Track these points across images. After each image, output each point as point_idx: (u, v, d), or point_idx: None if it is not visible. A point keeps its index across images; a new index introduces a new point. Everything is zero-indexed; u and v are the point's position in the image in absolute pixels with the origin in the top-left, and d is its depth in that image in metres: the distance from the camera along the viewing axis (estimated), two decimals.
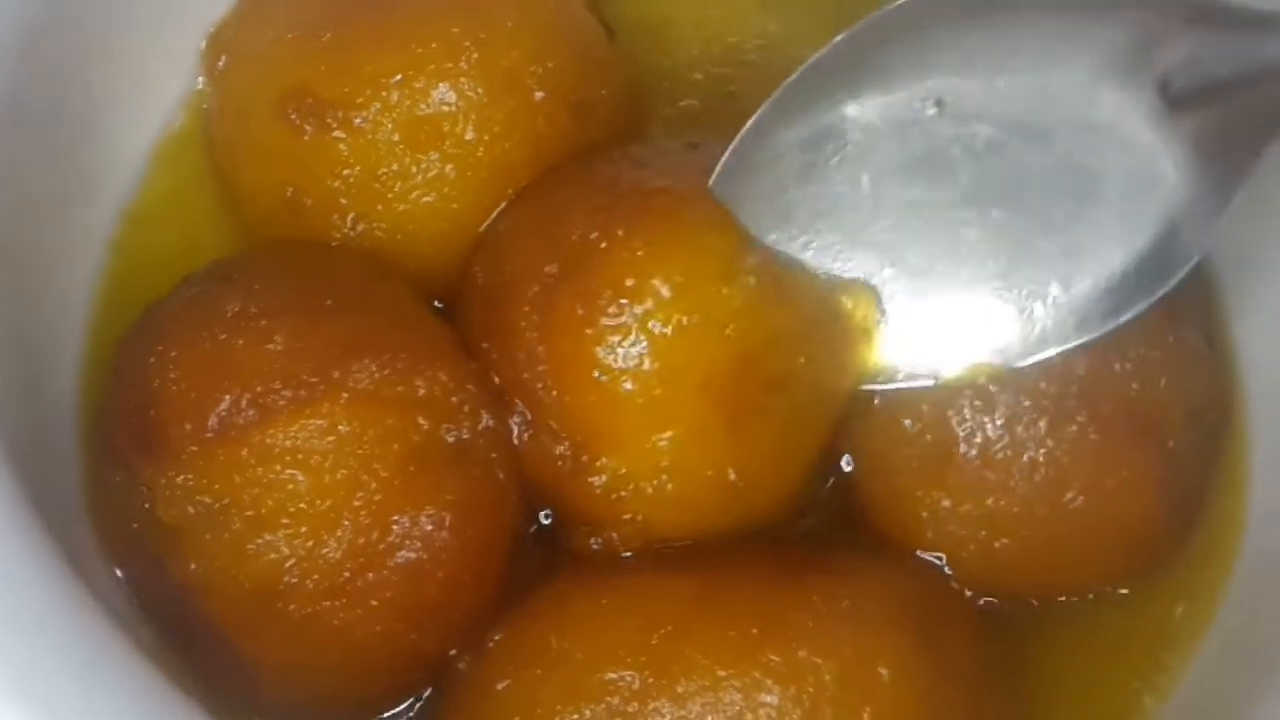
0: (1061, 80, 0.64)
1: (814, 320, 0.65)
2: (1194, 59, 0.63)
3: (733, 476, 0.63)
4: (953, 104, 0.65)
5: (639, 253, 0.63)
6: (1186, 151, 0.64)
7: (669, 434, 0.62)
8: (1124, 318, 0.64)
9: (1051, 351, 0.64)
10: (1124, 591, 0.69)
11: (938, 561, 0.67)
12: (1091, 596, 0.69)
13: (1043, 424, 0.64)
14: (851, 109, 0.65)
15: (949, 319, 0.65)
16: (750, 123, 0.65)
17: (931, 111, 0.65)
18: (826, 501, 0.69)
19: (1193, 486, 0.68)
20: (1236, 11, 0.62)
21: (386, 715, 0.66)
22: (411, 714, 0.66)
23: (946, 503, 0.65)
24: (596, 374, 0.62)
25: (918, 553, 0.67)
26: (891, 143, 0.65)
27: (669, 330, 0.62)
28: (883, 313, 0.66)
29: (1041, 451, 0.64)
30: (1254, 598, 0.69)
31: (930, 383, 0.65)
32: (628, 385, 0.62)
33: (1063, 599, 0.69)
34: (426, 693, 0.66)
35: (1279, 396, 0.72)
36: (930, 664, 0.62)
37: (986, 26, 0.64)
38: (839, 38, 0.64)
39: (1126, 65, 0.64)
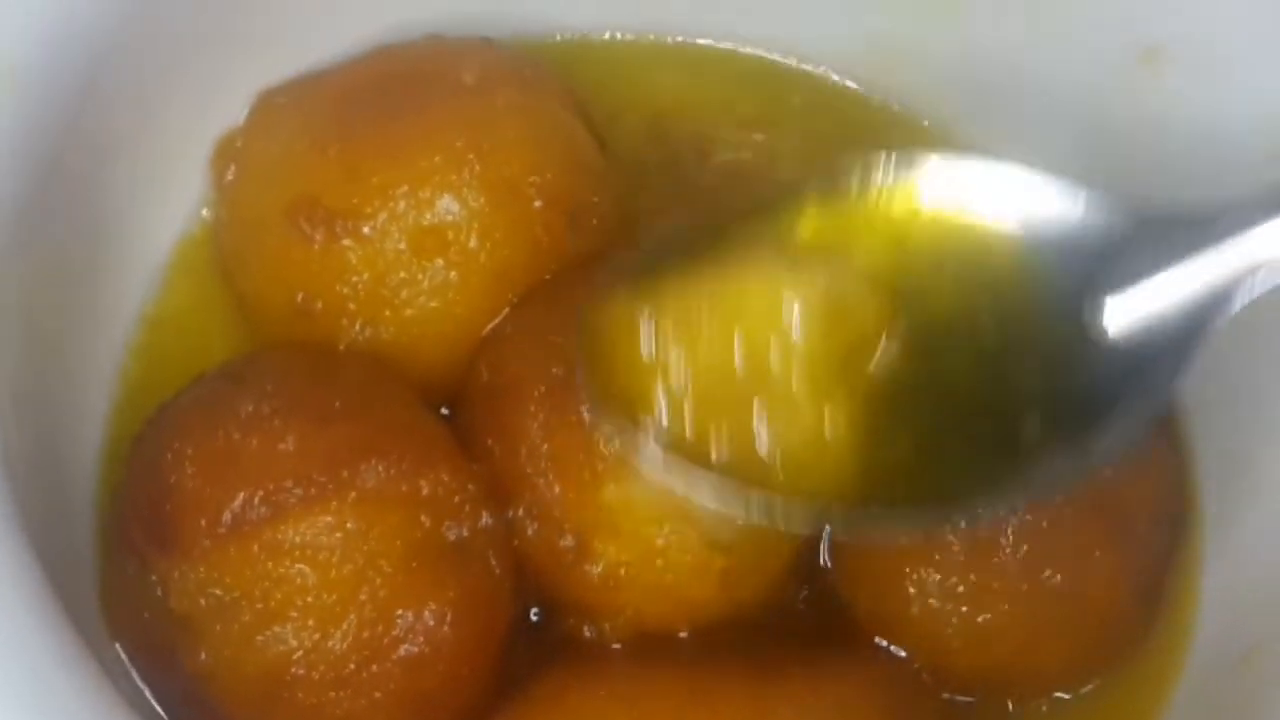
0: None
1: None
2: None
3: (722, 565, 0.66)
4: None
5: None
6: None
7: (665, 526, 0.65)
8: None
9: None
10: (1085, 690, 0.72)
11: (912, 663, 0.70)
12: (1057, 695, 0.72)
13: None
14: None
15: None
16: None
17: None
18: (804, 599, 0.72)
19: (1156, 575, 0.71)
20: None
21: None
22: None
23: (935, 578, 0.67)
24: (599, 468, 0.65)
25: (891, 646, 0.70)
26: None
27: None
28: None
29: (1024, 528, 0.67)
30: (1207, 689, 0.72)
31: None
32: (627, 480, 0.65)
33: (1029, 697, 0.72)
34: None
35: (1229, 492, 0.75)
36: None
37: None
38: None
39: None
